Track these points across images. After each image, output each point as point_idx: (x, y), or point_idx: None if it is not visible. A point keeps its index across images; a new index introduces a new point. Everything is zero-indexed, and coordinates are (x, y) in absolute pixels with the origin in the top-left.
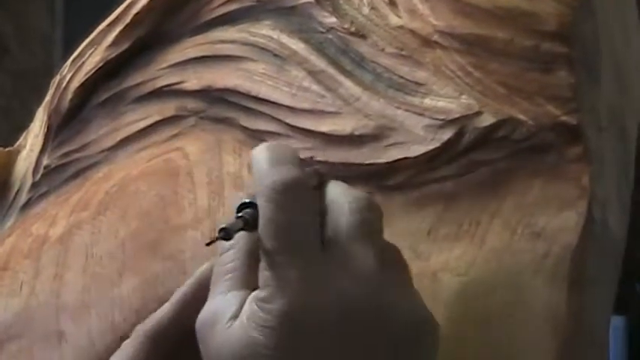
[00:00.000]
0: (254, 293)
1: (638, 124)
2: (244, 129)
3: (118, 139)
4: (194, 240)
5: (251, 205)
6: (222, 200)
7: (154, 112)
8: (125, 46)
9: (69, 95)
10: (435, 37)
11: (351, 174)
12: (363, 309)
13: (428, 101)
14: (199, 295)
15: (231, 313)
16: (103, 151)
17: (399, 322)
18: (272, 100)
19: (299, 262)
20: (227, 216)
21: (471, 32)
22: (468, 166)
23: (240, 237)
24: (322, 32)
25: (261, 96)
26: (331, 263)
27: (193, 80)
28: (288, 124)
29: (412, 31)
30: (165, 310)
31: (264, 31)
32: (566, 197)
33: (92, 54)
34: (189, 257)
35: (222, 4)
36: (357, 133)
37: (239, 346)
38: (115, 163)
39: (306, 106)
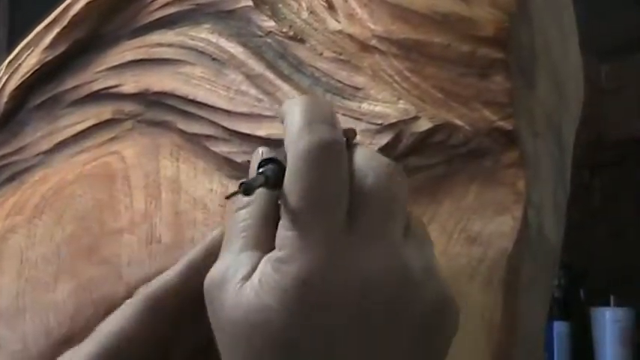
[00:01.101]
0: (270, 254)
1: (575, 132)
2: (182, 133)
3: (55, 142)
4: (130, 244)
5: (272, 161)
6: (159, 204)
7: (90, 116)
8: (62, 48)
9: (4, 98)
10: (373, 42)
11: None
12: (385, 286)
13: (365, 106)
14: (208, 261)
15: (243, 274)
16: (39, 154)
17: (424, 303)
18: (209, 103)
19: (324, 225)
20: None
21: (409, 37)
22: (406, 171)
23: (259, 195)
24: (261, 36)
25: (198, 99)
26: (356, 233)
27: (131, 84)
28: (225, 128)
29: (350, 36)
30: (170, 274)
31: (203, 34)
32: (502, 202)
33: (29, 56)
34: (125, 262)
35: (161, 7)
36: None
37: (250, 311)
38: (51, 166)
39: (243, 110)
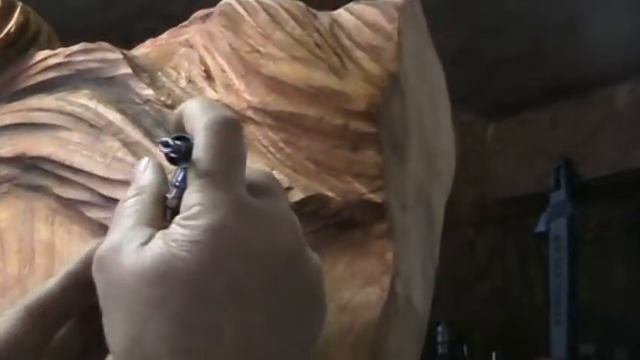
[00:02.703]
0: (176, 217)
1: (459, 191)
2: (58, 197)
3: None
4: (1, 307)
5: (180, 139)
6: (33, 268)
7: None
8: None
9: None
10: (249, 113)
11: None
12: (280, 250)
13: None
14: (86, 273)
15: (140, 241)
16: None
17: (314, 265)
18: (86, 169)
19: (231, 186)
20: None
21: (284, 109)
22: None
23: (148, 186)
24: (139, 103)
25: (75, 165)
26: (253, 200)
27: (8, 147)
28: (102, 195)
29: (227, 106)
30: (48, 285)
31: (82, 100)
32: (371, 273)
33: None
34: None
35: (41, 71)
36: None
37: (155, 262)
38: None
39: (120, 176)
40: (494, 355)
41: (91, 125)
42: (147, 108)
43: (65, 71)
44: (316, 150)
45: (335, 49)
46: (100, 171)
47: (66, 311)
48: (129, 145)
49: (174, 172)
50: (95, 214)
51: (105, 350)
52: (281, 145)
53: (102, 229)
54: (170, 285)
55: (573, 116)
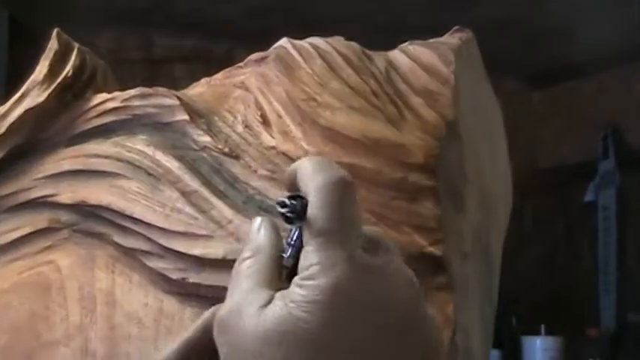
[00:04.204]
0: (295, 278)
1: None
2: (117, 246)
3: None
4: (64, 357)
5: (294, 198)
6: (95, 317)
7: (27, 223)
8: (0, 155)
9: None
10: None
11: (223, 296)
12: (402, 302)
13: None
14: (204, 340)
15: (260, 304)
16: None
17: (423, 339)
18: (145, 220)
19: (349, 243)
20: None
21: (341, 161)
22: None
23: (265, 246)
24: (196, 150)
25: (135, 215)
26: (370, 259)
27: (67, 194)
28: (161, 245)
29: (284, 153)
30: (167, 356)
31: (139, 146)
32: None
33: None
34: None
35: (98, 115)
36: (228, 257)
37: (277, 324)
38: None
39: (179, 228)
40: (542, 327)
41: (149, 174)
42: (204, 155)
43: (122, 116)
44: (374, 201)
45: (391, 96)
46: (159, 222)
47: None
48: (187, 194)
49: (289, 232)
50: (155, 263)
51: None
52: None
53: (161, 278)
54: (292, 345)
55: (621, 84)
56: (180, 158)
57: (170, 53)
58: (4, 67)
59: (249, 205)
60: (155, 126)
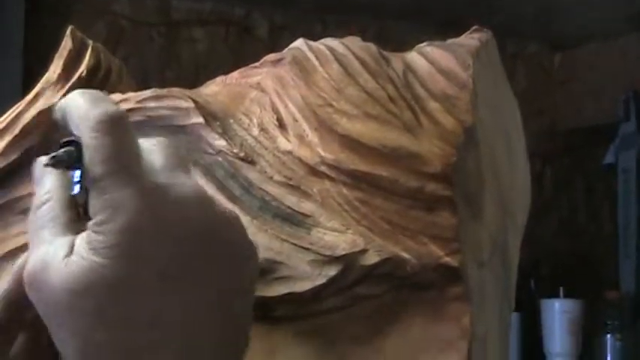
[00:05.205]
0: (88, 224)
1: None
2: None
3: (5, 250)
4: None
5: (70, 143)
6: None
7: None
8: (14, 156)
9: None
10: (323, 168)
11: None
12: (193, 222)
13: (315, 233)
14: (20, 290)
15: (64, 253)
16: None
17: (227, 243)
18: None
19: (131, 182)
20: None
21: (357, 169)
22: (353, 298)
23: (54, 189)
24: (211, 154)
25: None
26: (157, 188)
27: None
28: None
29: (300, 159)
30: None
31: None
32: (447, 338)
33: None
34: None
35: None
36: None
37: (81, 275)
38: (0, 276)
39: None
40: (561, 289)
41: None
42: (219, 159)
43: (136, 117)
44: (390, 210)
45: (409, 102)
46: None
47: (10, 330)
48: None
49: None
50: None
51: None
52: (356, 203)
53: None
54: (101, 293)
55: None
56: (195, 163)
57: (188, 16)
58: (20, 35)
59: (265, 211)
60: (169, 129)
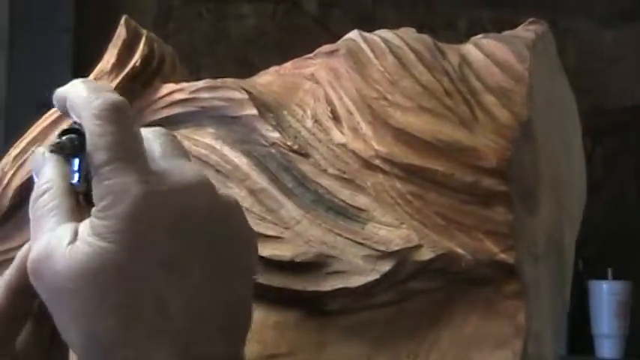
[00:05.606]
0: (92, 210)
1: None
2: None
3: None
4: None
5: (69, 131)
6: None
7: None
8: None
9: (10, 193)
10: (377, 162)
11: (291, 298)
12: (195, 208)
13: (369, 228)
14: (23, 279)
15: (68, 240)
16: None
17: (228, 228)
18: None
19: (134, 167)
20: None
21: (412, 163)
22: (406, 293)
23: (55, 178)
24: (265, 145)
25: None
26: (160, 174)
27: None
28: None
29: (354, 152)
30: None
31: (207, 140)
32: (502, 335)
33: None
34: None
35: (166, 106)
36: (297, 260)
37: (86, 260)
38: None
39: None
40: (609, 271)
41: (217, 170)
42: (273, 151)
43: (190, 107)
44: (445, 204)
45: (464, 95)
46: None
47: (15, 319)
48: (255, 192)
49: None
50: None
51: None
52: (409, 197)
53: None
54: (106, 278)
55: None
56: (248, 154)
57: None
58: (70, 10)
59: (318, 204)
60: (223, 119)
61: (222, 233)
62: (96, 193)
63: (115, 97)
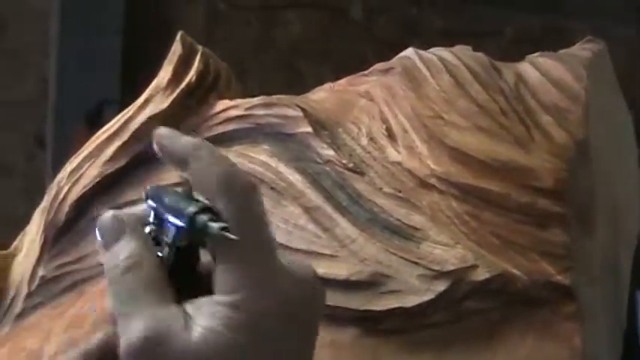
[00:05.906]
0: (216, 297)
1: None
2: None
3: None
4: None
5: (206, 210)
6: None
7: None
8: (123, 162)
9: (66, 208)
10: (433, 181)
11: (345, 317)
12: (306, 306)
13: (424, 247)
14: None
15: (181, 324)
16: (99, 264)
17: (318, 314)
18: None
19: (271, 261)
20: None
21: (467, 182)
22: (462, 313)
23: (141, 252)
24: (319, 163)
25: None
26: (288, 268)
27: None
28: None
29: (410, 171)
30: None
31: (262, 157)
32: (558, 357)
33: (90, 167)
34: None
35: (221, 122)
36: (352, 278)
37: (217, 348)
38: None
39: (301, 246)
40: None
41: (272, 188)
42: (327, 169)
43: (245, 124)
44: (501, 225)
45: (520, 115)
46: (281, 238)
47: None
48: (310, 210)
49: (156, 227)
50: None
51: None
52: (465, 217)
53: None
54: None
55: None
56: (302, 171)
57: (283, 2)
58: (120, 14)
59: (373, 223)
60: (278, 136)
61: (313, 318)
62: (223, 281)
63: (245, 176)
